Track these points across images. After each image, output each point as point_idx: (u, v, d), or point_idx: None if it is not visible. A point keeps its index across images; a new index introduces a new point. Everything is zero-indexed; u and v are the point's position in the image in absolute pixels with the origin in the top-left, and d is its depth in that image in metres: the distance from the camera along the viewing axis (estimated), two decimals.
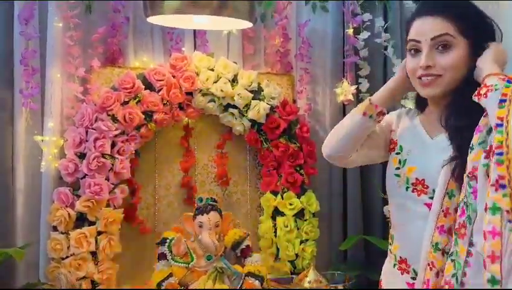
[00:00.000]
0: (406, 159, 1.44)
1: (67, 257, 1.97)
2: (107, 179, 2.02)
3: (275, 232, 2.27)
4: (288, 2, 2.35)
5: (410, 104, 1.98)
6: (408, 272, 1.41)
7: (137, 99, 2.08)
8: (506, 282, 1.05)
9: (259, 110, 2.19)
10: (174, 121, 2.18)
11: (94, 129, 2.01)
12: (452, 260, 1.23)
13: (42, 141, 2.04)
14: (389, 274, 1.50)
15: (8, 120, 2.05)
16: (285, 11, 2.35)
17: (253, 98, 2.21)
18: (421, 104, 1.49)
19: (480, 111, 1.22)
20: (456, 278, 1.19)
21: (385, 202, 2.25)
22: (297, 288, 1.94)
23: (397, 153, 1.47)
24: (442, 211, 1.29)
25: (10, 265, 2.03)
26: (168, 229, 2.19)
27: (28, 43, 2.00)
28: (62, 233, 1.98)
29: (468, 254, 1.18)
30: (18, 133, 2.06)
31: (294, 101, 2.38)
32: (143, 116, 2.08)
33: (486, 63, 1.28)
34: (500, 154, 1.09)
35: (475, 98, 1.22)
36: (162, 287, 1.97)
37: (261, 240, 2.30)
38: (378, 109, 1.45)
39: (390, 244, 1.50)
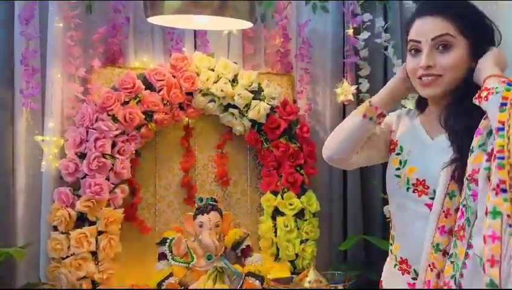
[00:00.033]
0: (406, 160, 1.44)
1: (67, 256, 1.98)
2: (108, 179, 2.02)
3: (275, 232, 2.27)
4: (289, 2, 2.35)
5: (410, 104, 1.98)
6: (409, 273, 1.41)
7: (137, 99, 2.08)
8: (505, 286, 1.06)
9: (259, 110, 2.20)
10: (175, 121, 2.19)
11: (94, 129, 2.01)
12: (451, 262, 1.23)
13: (43, 141, 2.04)
14: (389, 275, 1.50)
15: (9, 120, 2.06)
16: (285, 11, 2.35)
17: (254, 98, 2.21)
18: (421, 104, 1.49)
19: (480, 112, 1.22)
20: (455, 280, 1.20)
21: (385, 202, 2.26)
22: (297, 288, 1.94)
23: (397, 154, 1.47)
24: (443, 211, 1.29)
25: (11, 265, 2.03)
26: (168, 229, 2.20)
27: (28, 43, 2.01)
28: (62, 233, 1.98)
29: (466, 255, 1.18)
30: (18, 133, 2.06)
31: (295, 101, 2.38)
32: (143, 116, 2.09)
33: (486, 65, 1.28)
34: (502, 158, 1.09)
35: (475, 101, 1.22)
36: (162, 287, 1.97)
37: (261, 240, 2.30)
38: (378, 111, 1.44)
39: (391, 244, 1.50)
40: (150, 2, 1.87)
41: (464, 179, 1.22)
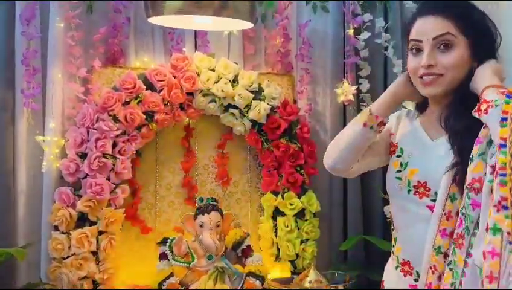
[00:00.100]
0: (407, 162, 1.43)
1: (68, 256, 1.98)
2: (108, 179, 2.02)
3: (276, 232, 2.27)
4: (289, 3, 2.36)
5: (410, 105, 1.98)
6: (411, 274, 1.41)
7: (138, 99, 2.09)
8: None
9: (259, 110, 2.20)
10: (175, 121, 2.19)
11: (95, 129, 2.01)
12: (450, 269, 1.23)
13: (43, 141, 2.04)
14: (391, 276, 1.50)
15: (10, 120, 2.06)
16: (285, 12, 2.36)
17: (254, 99, 2.21)
18: (422, 105, 1.49)
19: None
20: (455, 287, 1.20)
21: (385, 202, 2.26)
22: (297, 288, 1.94)
23: (398, 156, 1.47)
24: (444, 214, 1.29)
25: (11, 265, 2.04)
26: (169, 229, 2.20)
27: (29, 43, 2.01)
28: (63, 233, 1.98)
29: (465, 264, 1.19)
30: (19, 133, 2.06)
31: (295, 102, 2.39)
32: (144, 116, 2.09)
33: (485, 74, 1.28)
34: (504, 175, 1.09)
35: (475, 114, 1.22)
36: (163, 287, 1.97)
37: (262, 240, 2.30)
38: (378, 120, 1.44)
39: (393, 246, 1.50)
40: (151, 2, 1.87)
41: (464, 188, 1.22)
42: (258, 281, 2.04)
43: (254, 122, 2.23)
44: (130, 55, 2.24)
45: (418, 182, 1.39)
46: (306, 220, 2.26)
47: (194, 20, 1.98)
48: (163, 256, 2.04)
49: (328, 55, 2.41)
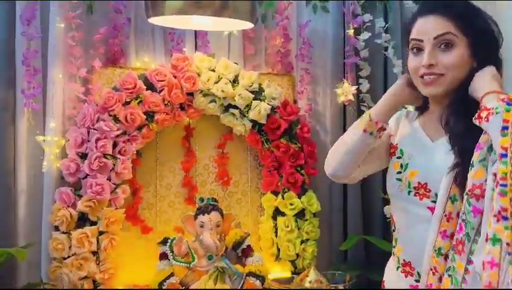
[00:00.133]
0: (407, 163, 1.43)
1: (68, 256, 1.98)
2: (109, 179, 2.02)
3: (276, 232, 2.28)
4: (289, 3, 2.36)
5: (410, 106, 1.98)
6: (412, 275, 1.41)
7: (138, 99, 2.09)
8: None
9: (260, 110, 2.20)
10: (175, 121, 2.19)
11: (96, 129, 2.01)
12: (449, 275, 1.23)
13: (44, 141, 2.04)
14: (392, 277, 1.49)
15: (10, 120, 2.06)
16: (286, 12, 2.36)
17: (254, 99, 2.21)
18: (422, 105, 1.49)
19: None
20: None
21: (385, 202, 2.27)
22: (298, 288, 1.94)
23: (398, 157, 1.46)
24: (445, 215, 1.29)
25: (12, 265, 2.03)
26: (169, 229, 2.20)
27: (29, 43, 2.01)
28: (64, 233, 1.98)
29: (466, 271, 1.18)
30: (20, 133, 2.06)
31: (295, 102, 2.39)
32: (144, 116, 2.09)
33: (484, 79, 1.28)
34: (504, 185, 1.09)
35: (476, 122, 1.21)
36: (164, 287, 1.97)
37: (262, 240, 2.31)
38: (378, 126, 1.43)
39: (394, 247, 1.50)
40: (151, 3, 1.87)
41: (464, 194, 1.22)
42: (258, 281, 2.04)
43: (254, 123, 2.24)
44: (131, 55, 2.24)
45: (419, 183, 1.39)
46: (306, 220, 2.27)
47: (194, 21, 1.98)
48: (163, 256, 2.04)
49: (328, 55, 2.42)
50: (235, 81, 2.21)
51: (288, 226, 2.24)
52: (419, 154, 1.42)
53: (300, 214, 2.26)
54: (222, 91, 2.17)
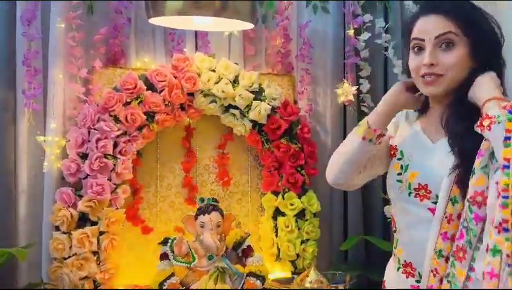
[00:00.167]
0: (408, 165, 1.42)
1: (69, 256, 1.98)
2: (109, 179, 2.02)
3: (276, 232, 2.28)
4: (289, 3, 2.36)
5: None
6: (413, 276, 1.40)
7: (139, 100, 2.09)
8: None
9: (260, 110, 2.20)
10: (176, 121, 2.19)
11: (96, 130, 2.02)
12: (448, 281, 1.23)
13: (44, 141, 2.04)
14: (393, 277, 1.49)
15: (11, 121, 2.06)
16: (286, 12, 2.36)
17: (254, 99, 2.21)
18: (422, 106, 1.48)
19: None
20: None
21: (385, 202, 2.27)
22: (298, 288, 1.94)
23: (398, 159, 1.45)
24: (446, 217, 1.28)
25: (13, 265, 2.04)
26: (169, 229, 2.20)
27: (30, 44, 2.01)
28: (64, 233, 1.98)
29: (468, 278, 1.18)
30: (20, 133, 2.06)
31: (295, 102, 2.39)
32: (145, 116, 2.09)
33: (485, 85, 1.27)
34: (506, 197, 1.09)
35: (477, 129, 1.20)
36: (164, 287, 1.97)
37: (262, 240, 2.31)
38: (377, 133, 1.41)
39: (394, 247, 1.49)
40: (152, 3, 1.88)
41: (465, 201, 1.21)
42: (258, 281, 2.04)
43: (255, 123, 2.24)
44: (131, 55, 2.24)
45: (419, 184, 1.38)
46: (306, 220, 2.27)
47: (195, 21, 1.98)
48: (164, 256, 2.04)
49: (328, 55, 2.42)
50: (235, 82, 2.21)
51: (288, 226, 2.24)
52: (420, 155, 1.41)
53: (300, 214, 2.26)
54: (222, 91, 2.17)
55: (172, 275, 2.00)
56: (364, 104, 2.34)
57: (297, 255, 2.26)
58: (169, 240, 2.05)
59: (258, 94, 2.23)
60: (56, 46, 2.06)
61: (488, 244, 1.11)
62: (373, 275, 2.17)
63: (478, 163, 1.19)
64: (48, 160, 2.04)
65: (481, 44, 1.33)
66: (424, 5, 1.43)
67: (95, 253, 2.01)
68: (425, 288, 1.32)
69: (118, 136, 2.04)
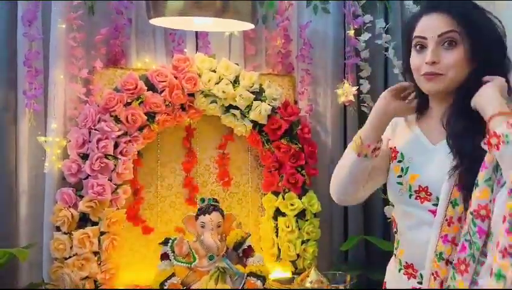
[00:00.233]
0: (408, 167, 1.42)
1: (70, 257, 1.98)
2: (110, 179, 2.03)
3: (276, 232, 2.28)
4: (290, 4, 2.36)
5: None
6: (415, 277, 1.40)
7: (139, 100, 2.09)
8: None
9: (260, 111, 2.20)
10: (176, 122, 2.19)
11: (97, 130, 2.02)
12: None
13: (45, 141, 2.05)
14: (394, 278, 1.48)
15: (12, 121, 2.07)
16: (286, 13, 2.37)
17: (255, 99, 2.22)
18: (420, 106, 1.47)
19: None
20: None
21: (386, 202, 2.27)
22: (298, 288, 1.94)
23: (399, 161, 1.45)
24: (446, 220, 1.28)
25: (14, 265, 2.04)
26: (170, 229, 2.21)
27: (31, 44, 2.02)
28: (65, 233, 1.99)
29: None
30: (21, 133, 2.07)
31: (296, 102, 2.39)
32: (145, 117, 2.09)
33: (491, 96, 1.23)
34: None
35: (484, 146, 1.18)
36: (165, 287, 1.98)
37: (263, 240, 2.31)
38: (371, 147, 1.40)
39: (395, 248, 1.49)
40: (152, 3, 1.88)
41: (468, 213, 1.20)
42: (259, 281, 2.05)
43: (255, 123, 2.24)
44: (132, 56, 2.24)
45: (419, 187, 1.38)
46: (307, 221, 2.27)
47: (195, 21, 1.98)
48: (164, 256, 2.04)
49: (328, 56, 2.42)
50: (235, 82, 2.21)
51: (288, 227, 2.24)
52: (420, 157, 1.40)
53: (301, 215, 2.26)
54: (223, 92, 2.17)
55: (173, 275, 2.00)
56: (365, 104, 2.34)
57: (298, 255, 2.26)
58: (170, 240, 2.05)
59: (259, 94, 2.23)
60: (57, 46, 2.07)
61: (492, 269, 1.10)
62: (373, 275, 2.17)
63: (482, 176, 1.17)
64: (49, 160, 2.04)
65: (483, 44, 1.32)
66: (426, 4, 1.42)
67: (95, 253, 2.01)
68: (426, 289, 1.32)
69: (118, 136, 2.04)
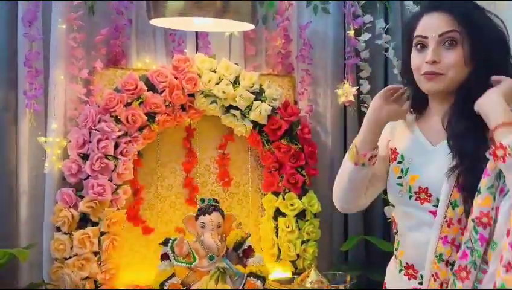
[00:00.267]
0: (408, 168, 1.42)
1: (70, 257, 1.99)
2: (110, 180, 2.03)
3: (277, 232, 2.28)
4: (290, 4, 2.37)
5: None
6: (415, 278, 1.40)
7: (140, 100, 2.09)
8: None
9: (260, 111, 2.20)
10: (177, 122, 2.20)
11: (97, 130, 2.02)
12: None
13: (46, 142, 2.05)
14: (394, 279, 1.48)
15: (12, 121, 2.07)
16: (286, 13, 2.37)
17: (255, 100, 2.22)
18: (418, 106, 1.46)
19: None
20: None
21: (386, 202, 2.27)
22: (298, 288, 1.95)
23: (399, 162, 1.44)
24: (446, 221, 1.28)
25: (14, 265, 2.04)
26: (170, 229, 2.21)
27: (31, 44, 2.02)
28: (65, 233, 1.99)
29: None
30: (22, 134, 2.07)
31: (296, 103, 2.39)
32: (145, 117, 2.09)
33: (496, 102, 1.21)
34: None
35: (490, 157, 1.17)
36: (165, 287, 1.98)
37: (263, 240, 2.31)
38: (367, 156, 1.40)
39: (395, 249, 1.49)
40: (153, 4, 1.88)
41: (469, 220, 1.20)
42: (259, 281, 2.05)
43: (255, 123, 2.24)
44: (132, 56, 2.24)
45: (419, 188, 1.37)
46: (307, 221, 2.27)
47: (195, 22, 1.99)
48: (164, 256, 2.05)
49: (328, 56, 2.42)
50: (236, 82, 2.21)
51: (288, 227, 2.24)
52: (420, 158, 1.40)
53: (301, 215, 2.27)
54: (223, 92, 2.17)
55: (173, 275, 2.00)
56: (365, 104, 2.34)
57: (298, 255, 2.26)
58: (170, 241, 2.05)
59: (259, 95, 2.23)
60: (57, 47, 2.07)
61: (495, 282, 1.09)
62: (373, 275, 2.18)
63: (484, 183, 1.17)
64: (49, 161, 2.04)
65: (483, 44, 1.32)
66: (428, 3, 1.42)
67: (96, 253, 2.02)
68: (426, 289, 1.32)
69: (118, 136, 2.04)
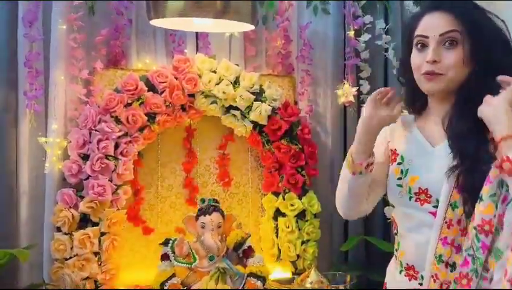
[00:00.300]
0: (408, 169, 1.41)
1: (70, 257, 1.99)
2: (110, 180, 2.03)
3: (277, 233, 2.28)
4: (290, 4, 2.37)
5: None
6: (416, 278, 1.40)
7: (140, 101, 2.09)
8: None
9: (260, 111, 2.21)
10: (177, 122, 2.20)
11: (97, 131, 2.02)
12: None
13: (46, 142, 2.05)
14: (394, 279, 1.48)
15: (12, 122, 2.07)
16: (286, 13, 2.37)
17: (255, 100, 2.22)
18: (417, 106, 1.46)
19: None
20: None
21: (386, 202, 2.25)
22: (298, 288, 1.95)
23: (399, 163, 1.44)
24: (445, 222, 1.28)
25: (14, 266, 2.04)
26: (170, 229, 2.21)
27: (32, 45, 2.02)
28: (66, 234, 1.99)
29: None
30: (22, 134, 2.07)
31: (296, 103, 2.39)
32: (146, 117, 2.09)
33: (501, 112, 1.17)
34: None
35: (496, 170, 1.16)
36: (165, 288, 1.98)
37: (263, 240, 2.31)
38: (364, 165, 1.40)
39: (396, 250, 1.49)
40: (153, 3, 1.88)
41: (471, 228, 1.19)
42: (259, 281, 2.05)
43: (255, 124, 2.24)
44: (132, 56, 2.25)
45: (419, 189, 1.37)
46: (307, 221, 2.27)
47: (195, 22, 1.99)
48: (165, 257, 2.05)
49: (328, 56, 2.42)
50: (236, 83, 2.22)
51: (289, 227, 2.24)
52: (420, 159, 1.40)
53: (301, 215, 2.27)
54: (223, 92, 2.17)
55: (173, 275, 2.00)
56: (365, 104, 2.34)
57: (298, 255, 2.26)
58: (170, 241, 2.05)
59: (259, 95, 2.23)
60: (57, 47, 2.07)
61: None
62: (373, 275, 2.18)
63: (486, 190, 1.16)
64: (49, 161, 2.04)
65: (483, 44, 1.32)
66: (429, 3, 1.41)
67: (96, 254, 2.02)
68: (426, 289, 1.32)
69: (119, 137, 2.05)
